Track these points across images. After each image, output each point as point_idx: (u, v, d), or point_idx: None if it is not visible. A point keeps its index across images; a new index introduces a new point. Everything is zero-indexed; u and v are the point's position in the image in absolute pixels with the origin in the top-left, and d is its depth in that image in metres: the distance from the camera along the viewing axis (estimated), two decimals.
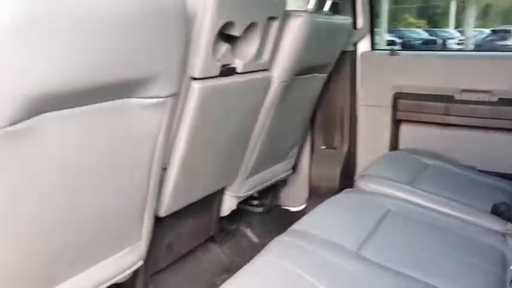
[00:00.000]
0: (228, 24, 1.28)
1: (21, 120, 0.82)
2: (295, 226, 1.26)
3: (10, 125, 0.80)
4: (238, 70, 1.42)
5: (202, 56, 1.23)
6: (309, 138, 2.31)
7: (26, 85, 0.80)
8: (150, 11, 0.98)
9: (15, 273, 0.97)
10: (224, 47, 1.34)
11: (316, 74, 1.91)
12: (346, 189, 1.63)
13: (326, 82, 2.06)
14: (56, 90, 0.85)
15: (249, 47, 1.44)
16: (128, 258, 1.24)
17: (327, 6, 1.94)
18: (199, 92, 1.27)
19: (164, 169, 1.32)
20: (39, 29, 0.78)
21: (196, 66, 1.24)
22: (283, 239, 1.18)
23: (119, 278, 1.23)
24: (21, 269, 0.98)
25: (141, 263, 1.29)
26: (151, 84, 1.06)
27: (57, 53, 0.83)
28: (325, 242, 1.17)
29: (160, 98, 1.10)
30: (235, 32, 1.32)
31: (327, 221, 1.31)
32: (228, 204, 1.81)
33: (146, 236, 1.29)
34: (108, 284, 1.19)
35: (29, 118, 0.83)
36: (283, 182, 2.29)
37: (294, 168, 2.24)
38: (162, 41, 1.04)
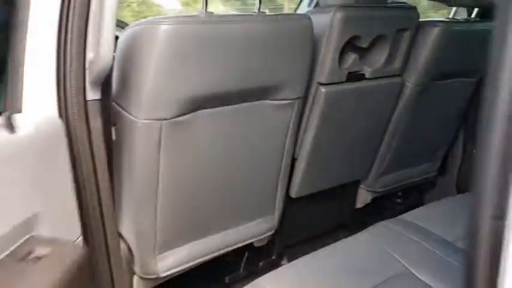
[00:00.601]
0: (354, 37, 1.46)
1: (182, 114, 1.17)
2: (402, 216, 1.40)
3: (175, 117, 1.16)
4: (367, 76, 1.57)
5: (328, 65, 1.45)
6: (460, 142, 2.30)
7: (187, 89, 1.15)
8: (283, 33, 1.27)
9: (177, 228, 1.35)
10: (352, 56, 1.52)
11: (461, 79, 1.90)
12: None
13: (479, 86, 2.04)
14: (208, 94, 1.19)
15: (378, 56, 1.57)
16: (263, 226, 1.56)
17: (474, 13, 1.94)
18: (325, 95, 1.48)
19: (295, 159, 1.59)
20: (199, 49, 1.11)
21: (323, 73, 1.46)
22: (383, 223, 1.34)
23: (255, 240, 1.56)
24: (182, 223, 1.35)
25: (272, 232, 1.59)
26: (281, 90, 1.34)
27: (212, 66, 1.16)
28: (422, 230, 1.29)
29: (289, 100, 1.38)
30: (362, 44, 1.49)
31: (434, 214, 1.40)
32: (363, 197, 1.97)
33: (278, 211, 1.58)
34: (246, 242, 1.53)
35: (188, 113, 1.19)
36: (429, 183, 2.32)
37: (441, 170, 2.27)
38: (291, 55, 1.31)
